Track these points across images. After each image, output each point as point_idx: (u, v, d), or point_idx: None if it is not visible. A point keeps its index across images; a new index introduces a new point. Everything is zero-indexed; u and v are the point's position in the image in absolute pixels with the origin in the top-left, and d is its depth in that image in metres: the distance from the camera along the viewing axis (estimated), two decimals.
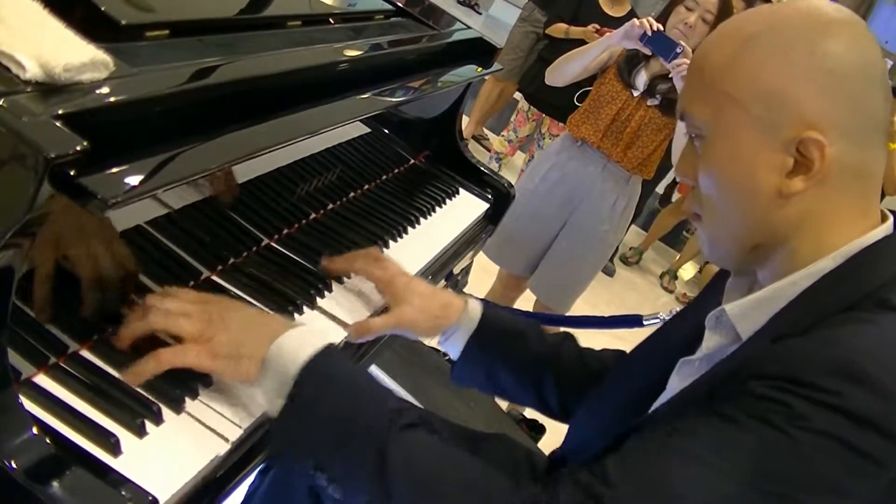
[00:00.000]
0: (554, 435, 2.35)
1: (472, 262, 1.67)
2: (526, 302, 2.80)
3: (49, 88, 0.69)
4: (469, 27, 1.65)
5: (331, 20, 1.30)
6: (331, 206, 1.32)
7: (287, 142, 0.98)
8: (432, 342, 1.21)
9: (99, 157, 0.67)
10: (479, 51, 1.62)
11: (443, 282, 1.48)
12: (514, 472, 1.14)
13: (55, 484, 0.67)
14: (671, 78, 2.22)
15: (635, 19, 2.23)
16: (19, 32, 0.69)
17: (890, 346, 0.73)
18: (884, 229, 0.83)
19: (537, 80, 3.64)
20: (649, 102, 2.39)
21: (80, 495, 0.68)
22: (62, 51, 0.70)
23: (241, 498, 1.25)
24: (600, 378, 1.13)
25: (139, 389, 0.82)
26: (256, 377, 0.85)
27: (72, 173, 0.66)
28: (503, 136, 4.34)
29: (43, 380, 0.78)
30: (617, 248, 3.93)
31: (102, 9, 0.85)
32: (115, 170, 0.71)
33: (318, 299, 1.10)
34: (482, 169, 1.68)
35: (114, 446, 0.75)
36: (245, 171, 1.09)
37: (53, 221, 0.72)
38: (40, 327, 0.79)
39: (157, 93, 0.80)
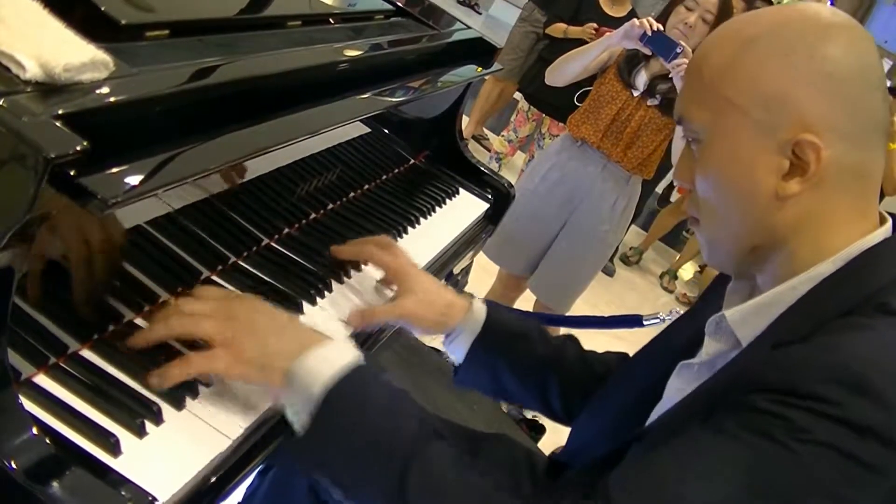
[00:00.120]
0: (554, 435, 2.35)
1: (472, 262, 1.67)
2: (526, 302, 2.80)
3: (49, 88, 0.69)
4: (469, 27, 1.65)
5: (331, 20, 1.29)
6: (331, 206, 1.32)
7: (287, 142, 0.98)
8: (432, 342, 1.21)
9: (99, 157, 0.67)
10: (479, 51, 1.61)
11: (443, 282, 1.48)
12: (514, 473, 1.14)
13: (55, 484, 0.67)
14: (671, 78, 2.22)
15: (635, 19, 2.23)
16: (19, 32, 0.69)
17: (889, 352, 0.73)
18: (883, 232, 0.83)
19: (537, 80, 3.64)
20: (649, 102, 2.39)
21: (80, 495, 0.68)
22: (62, 51, 0.70)
23: (241, 498, 1.25)
24: (603, 380, 1.13)
25: (139, 389, 0.82)
26: (280, 388, 0.84)
27: (72, 173, 0.66)
28: (503, 136, 4.34)
29: (43, 380, 0.78)
30: (617, 248, 3.93)
31: (102, 9, 0.85)
32: (115, 170, 0.71)
33: (319, 299, 1.10)
34: (482, 169, 1.68)
35: (114, 446, 0.74)
36: (245, 171, 1.09)
37: (53, 221, 0.72)
38: (40, 327, 0.79)
39: (157, 93, 0.80)
